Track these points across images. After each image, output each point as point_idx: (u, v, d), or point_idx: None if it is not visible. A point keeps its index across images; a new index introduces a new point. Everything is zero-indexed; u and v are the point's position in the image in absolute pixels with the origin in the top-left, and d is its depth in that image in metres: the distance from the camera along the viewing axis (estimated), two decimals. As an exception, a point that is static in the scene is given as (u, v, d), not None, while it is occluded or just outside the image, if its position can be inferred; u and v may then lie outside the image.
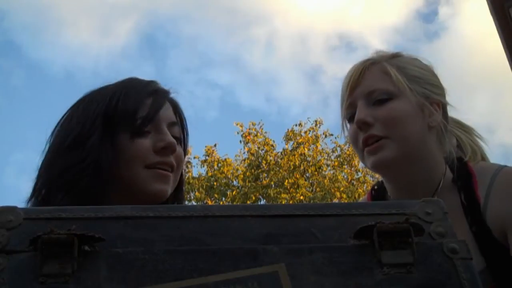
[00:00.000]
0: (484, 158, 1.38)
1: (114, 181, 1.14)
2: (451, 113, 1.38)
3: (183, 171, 1.31)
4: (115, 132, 1.16)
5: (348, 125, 1.34)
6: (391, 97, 1.24)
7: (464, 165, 1.29)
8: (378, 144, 1.23)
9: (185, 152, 1.30)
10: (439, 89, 1.33)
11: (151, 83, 1.28)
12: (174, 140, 1.19)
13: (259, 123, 14.97)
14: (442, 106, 1.31)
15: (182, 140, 1.29)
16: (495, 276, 1.12)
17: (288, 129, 14.81)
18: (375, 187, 1.42)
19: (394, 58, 1.33)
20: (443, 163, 1.29)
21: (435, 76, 1.35)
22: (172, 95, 1.31)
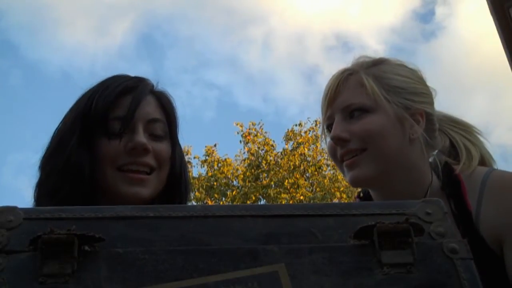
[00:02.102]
0: (484, 156, 1.33)
1: (95, 185, 1.12)
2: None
3: (181, 167, 1.27)
4: (93, 134, 1.15)
5: (328, 137, 1.31)
6: (367, 110, 1.21)
7: (450, 172, 1.24)
8: (354, 159, 1.20)
9: (175, 146, 1.25)
10: (424, 97, 1.28)
11: (131, 79, 1.24)
12: (143, 140, 1.15)
13: (259, 123, 14.98)
14: (426, 114, 1.26)
15: (170, 135, 1.24)
16: (488, 286, 1.09)
17: (288, 129, 14.82)
18: (361, 194, 1.40)
19: (374, 66, 1.28)
20: (429, 172, 1.25)
21: (420, 82, 1.30)
22: (158, 89, 1.27)
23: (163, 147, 1.20)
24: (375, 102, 1.21)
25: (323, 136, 1.34)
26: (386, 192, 1.24)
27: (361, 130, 1.20)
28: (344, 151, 1.22)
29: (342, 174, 1.29)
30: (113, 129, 1.15)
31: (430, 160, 1.29)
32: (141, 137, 1.16)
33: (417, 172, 1.23)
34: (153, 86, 1.26)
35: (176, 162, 1.25)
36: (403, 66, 1.31)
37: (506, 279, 1.10)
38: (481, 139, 1.35)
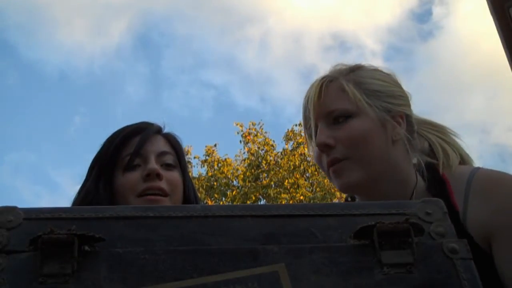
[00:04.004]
0: (463, 155, 1.33)
1: None
2: (439, 115, 1.36)
3: (194, 193, 1.44)
4: (111, 171, 1.34)
5: (314, 144, 1.31)
6: (350, 115, 1.22)
7: (435, 172, 1.25)
8: (340, 165, 1.21)
9: (185, 174, 1.42)
10: (402, 100, 1.29)
11: (139, 124, 1.44)
12: (155, 167, 1.31)
13: (259, 123, 14.97)
14: (406, 116, 1.28)
15: (180, 166, 1.41)
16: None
17: (288, 129, 14.82)
18: (348, 198, 1.41)
19: (352, 72, 1.29)
20: (413, 173, 1.25)
21: (397, 86, 1.32)
22: (166, 131, 1.46)
23: (175, 175, 1.37)
24: (357, 106, 1.23)
25: (309, 143, 1.35)
26: (373, 195, 1.25)
27: (346, 135, 1.21)
28: (330, 159, 1.23)
29: (329, 181, 1.30)
30: (127, 163, 1.33)
31: (414, 161, 1.29)
32: (154, 164, 1.32)
33: (402, 173, 1.24)
34: (160, 128, 1.45)
35: (189, 188, 1.42)
36: (378, 70, 1.33)
37: (496, 277, 1.10)
38: (456, 139, 1.36)
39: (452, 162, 1.27)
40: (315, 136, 1.27)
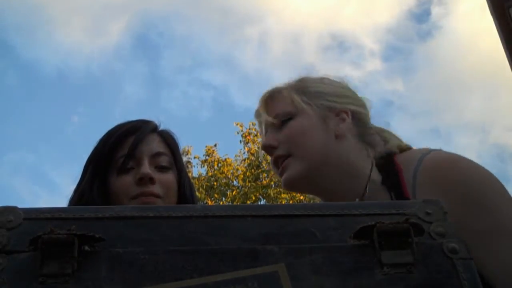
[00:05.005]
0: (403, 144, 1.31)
1: None
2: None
3: (191, 192, 1.42)
4: (106, 173, 1.33)
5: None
6: (291, 117, 1.27)
7: (390, 161, 1.23)
8: (284, 164, 1.26)
9: (181, 174, 1.40)
10: (347, 98, 1.32)
11: (134, 122, 1.41)
12: (148, 171, 1.30)
13: (259, 123, 14.95)
14: (353, 112, 1.29)
15: (175, 165, 1.40)
16: None
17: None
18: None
19: (297, 82, 1.35)
20: (367, 167, 1.23)
21: (344, 87, 1.35)
22: (161, 128, 1.43)
23: (169, 177, 1.35)
24: (296, 108, 1.27)
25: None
26: (318, 190, 1.28)
27: (286, 133, 1.26)
28: (273, 158, 1.29)
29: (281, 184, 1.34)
30: (120, 166, 1.31)
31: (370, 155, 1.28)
32: (146, 168, 1.30)
33: (351, 167, 1.23)
34: (156, 126, 1.43)
35: (185, 188, 1.40)
36: (326, 78, 1.37)
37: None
38: (391, 131, 1.37)
39: (390, 144, 1.28)
40: None
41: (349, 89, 1.36)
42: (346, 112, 1.29)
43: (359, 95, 1.37)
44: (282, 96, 1.31)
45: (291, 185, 1.27)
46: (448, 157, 1.17)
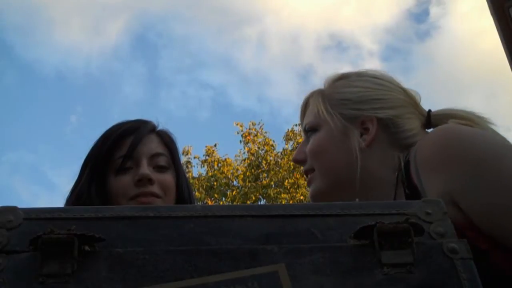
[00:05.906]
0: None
1: None
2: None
3: (188, 192, 1.42)
4: (104, 173, 1.33)
5: None
6: (316, 129, 1.26)
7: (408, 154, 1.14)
8: (309, 177, 1.27)
9: (179, 174, 1.41)
10: (375, 103, 1.23)
11: (132, 122, 1.41)
12: (146, 172, 1.30)
13: (259, 123, 14.97)
14: (380, 119, 1.21)
15: (174, 166, 1.40)
16: None
17: (288, 129, 14.82)
18: None
19: (329, 84, 1.30)
20: (391, 176, 1.16)
21: (376, 89, 1.25)
22: (159, 129, 1.44)
23: (167, 177, 1.36)
24: (320, 119, 1.26)
25: None
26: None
27: (310, 149, 1.26)
28: (303, 172, 1.30)
29: None
30: (119, 166, 1.32)
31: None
32: (145, 169, 1.31)
33: (376, 180, 1.18)
34: (154, 126, 1.44)
35: (183, 188, 1.40)
36: (361, 76, 1.29)
37: (494, 277, 1.02)
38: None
39: (409, 132, 1.20)
40: None
41: (383, 89, 1.26)
42: (371, 121, 1.22)
43: (404, 88, 1.28)
44: (310, 104, 1.31)
45: (315, 200, 1.27)
46: (434, 133, 1.11)
